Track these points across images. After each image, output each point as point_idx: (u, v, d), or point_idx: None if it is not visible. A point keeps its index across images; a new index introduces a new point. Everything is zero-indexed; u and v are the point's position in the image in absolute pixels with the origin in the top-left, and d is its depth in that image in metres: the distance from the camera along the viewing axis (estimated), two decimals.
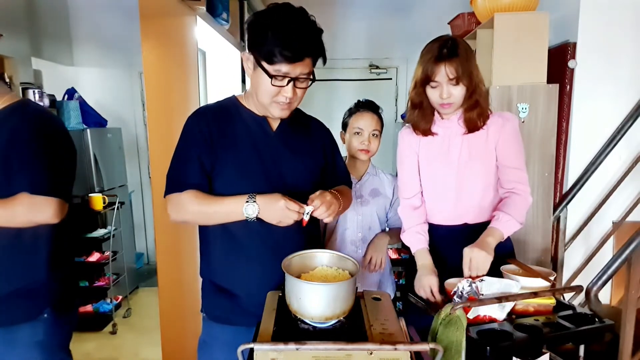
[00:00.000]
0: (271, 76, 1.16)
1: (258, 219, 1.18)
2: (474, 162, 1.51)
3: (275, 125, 1.33)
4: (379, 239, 1.78)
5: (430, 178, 1.59)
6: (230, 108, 1.32)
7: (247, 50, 1.22)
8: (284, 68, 1.15)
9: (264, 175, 1.27)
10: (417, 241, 1.56)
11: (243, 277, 1.30)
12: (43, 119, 1.36)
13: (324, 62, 1.23)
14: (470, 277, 1.29)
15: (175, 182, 1.25)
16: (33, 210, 1.26)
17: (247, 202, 1.17)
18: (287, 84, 1.18)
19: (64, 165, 1.37)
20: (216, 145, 1.25)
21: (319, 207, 1.18)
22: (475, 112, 1.47)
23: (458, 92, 1.42)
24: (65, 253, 1.45)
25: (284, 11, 1.16)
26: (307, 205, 1.18)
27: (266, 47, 1.13)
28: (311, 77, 1.21)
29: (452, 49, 1.39)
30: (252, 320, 1.11)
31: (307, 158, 1.36)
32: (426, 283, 1.44)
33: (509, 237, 1.65)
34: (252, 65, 1.21)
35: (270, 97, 1.21)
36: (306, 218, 1.18)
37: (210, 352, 1.34)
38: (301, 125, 1.39)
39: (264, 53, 1.14)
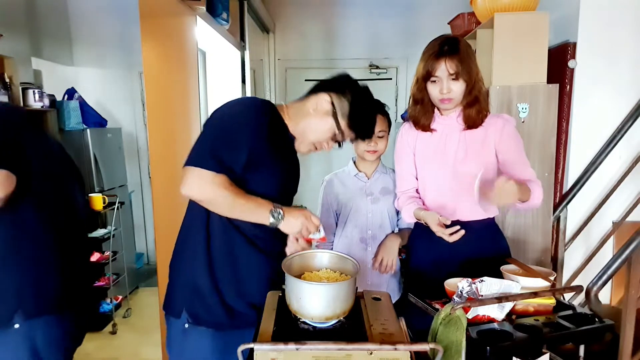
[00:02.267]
0: (337, 138, 1.32)
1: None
2: (470, 159, 1.52)
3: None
4: (390, 241, 1.76)
5: (427, 174, 1.61)
6: (281, 117, 1.34)
7: (327, 94, 1.30)
8: (349, 138, 1.33)
9: (284, 188, 1.34)
10: (412, 207, 1.60)
11: (239, 275, 1.29)
12: None
13: None
14: (470, 279, 1.29)
15: (217, 161, 1.15)
16: None
17: (274, 208, 1.21)
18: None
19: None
20: (264, 146, 1.22)
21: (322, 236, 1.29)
22: (475, 109, 1.49)
23: (458, 88, 1.45)
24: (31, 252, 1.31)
25: (373, 101, 1.41)
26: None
27: (357, 123, 1.30)
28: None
29: (452, 46, 1.43)
30: (239, 321, 1.14)
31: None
32: (432, 219, 1.48)
33: (505, 238, 1.66)
34: (326, 112, 1.29)
35: (316, 140, 1.33)
36: (316, 240, 1.30)
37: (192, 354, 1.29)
38: None
39: (352, 124, 1.29)
